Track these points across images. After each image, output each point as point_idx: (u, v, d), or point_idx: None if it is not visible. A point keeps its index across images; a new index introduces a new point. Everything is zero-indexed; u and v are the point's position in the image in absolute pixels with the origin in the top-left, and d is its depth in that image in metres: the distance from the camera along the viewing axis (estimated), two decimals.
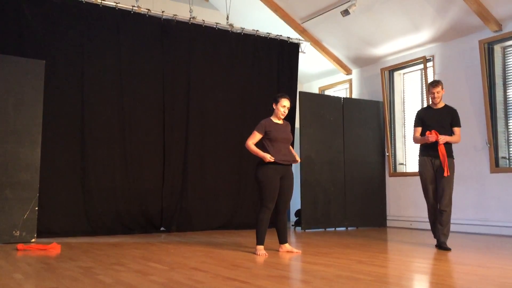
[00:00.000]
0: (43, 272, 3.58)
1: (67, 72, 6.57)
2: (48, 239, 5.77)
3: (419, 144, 5.35)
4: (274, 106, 4.90)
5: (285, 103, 4.85)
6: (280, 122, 4.91)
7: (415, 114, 5.46)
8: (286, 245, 4.90)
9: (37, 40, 6.34)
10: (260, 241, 4.70)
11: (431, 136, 5.05)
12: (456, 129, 5.23)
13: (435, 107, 5.30)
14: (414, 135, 5.39)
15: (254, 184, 7.75)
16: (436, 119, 5.22)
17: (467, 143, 7.01)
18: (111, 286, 3.02)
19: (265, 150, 4.79)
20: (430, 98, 5.37)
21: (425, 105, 7.58)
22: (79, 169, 6.56)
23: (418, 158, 5.33)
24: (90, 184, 6.59)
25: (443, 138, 5.04)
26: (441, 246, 4.99)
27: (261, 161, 4.76)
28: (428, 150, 5.19)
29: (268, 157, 4.68)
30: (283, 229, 4.90)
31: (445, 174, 4.99)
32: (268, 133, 4.79)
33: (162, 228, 7.19)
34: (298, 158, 4.95)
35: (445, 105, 5.32)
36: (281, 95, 4.94)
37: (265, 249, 4.71)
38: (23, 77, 5.74)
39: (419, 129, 5.33)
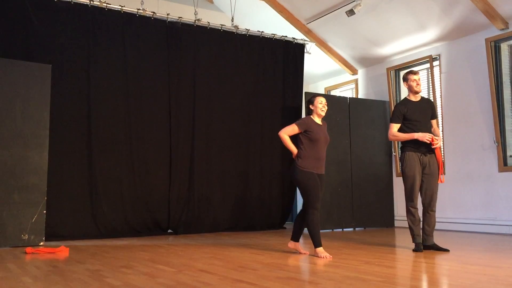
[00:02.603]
0: (51, 275, 3.59)
1: (73, 76, 6.60)
2: (56, 242, 5.81)
3: (400, 140, 5.00)
4: (311, 107, 4.89)
5: (320, 99, 4.88)
6: (320, 123, 4.89)
7: (394, 109, 5.02)
8: (297, 243, 4.88)
9: (43, 44, 6.37)
10: (318, 243, 4.58)
11: (429, 135, 4.76)
12: (435, 122, 4.98)
13: (414, 100, 4.97)
14: (391, 130, 4.96)
15: (260, 186, 7.85)
16: (420, 113, 4.91)
17: (475, 142, 6.97)
18: None
19: (299, 148, 4.74)
20: (411, 87, 4.94)
21: None
22: (87, 172, 6.58)
23: (403, 153, 4.92)
24: (98, 187, 6.61)
25: (439, 143, 4.83)
26: (435, 247, 4.85)
27: (297, 164, 4.68)
28: (418, 145, 4.83)
29: (295, 154, 4.70)
30: (303, 228, 4.88)
31: (441, 180, 4.88)
32: (309, 133, 4.72)
33: (169, 231, 7.21)
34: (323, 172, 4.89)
35: (422, 97, 5.04)
36: (313, 96, 5.02)
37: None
38: (29, 81, 5.77)
39: (398, 125, 4.93)
